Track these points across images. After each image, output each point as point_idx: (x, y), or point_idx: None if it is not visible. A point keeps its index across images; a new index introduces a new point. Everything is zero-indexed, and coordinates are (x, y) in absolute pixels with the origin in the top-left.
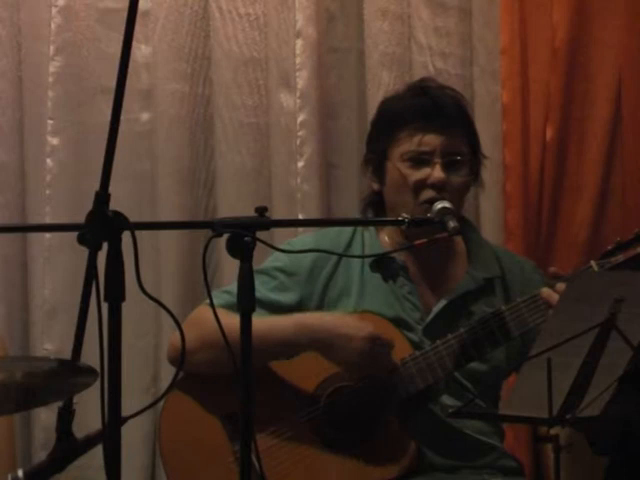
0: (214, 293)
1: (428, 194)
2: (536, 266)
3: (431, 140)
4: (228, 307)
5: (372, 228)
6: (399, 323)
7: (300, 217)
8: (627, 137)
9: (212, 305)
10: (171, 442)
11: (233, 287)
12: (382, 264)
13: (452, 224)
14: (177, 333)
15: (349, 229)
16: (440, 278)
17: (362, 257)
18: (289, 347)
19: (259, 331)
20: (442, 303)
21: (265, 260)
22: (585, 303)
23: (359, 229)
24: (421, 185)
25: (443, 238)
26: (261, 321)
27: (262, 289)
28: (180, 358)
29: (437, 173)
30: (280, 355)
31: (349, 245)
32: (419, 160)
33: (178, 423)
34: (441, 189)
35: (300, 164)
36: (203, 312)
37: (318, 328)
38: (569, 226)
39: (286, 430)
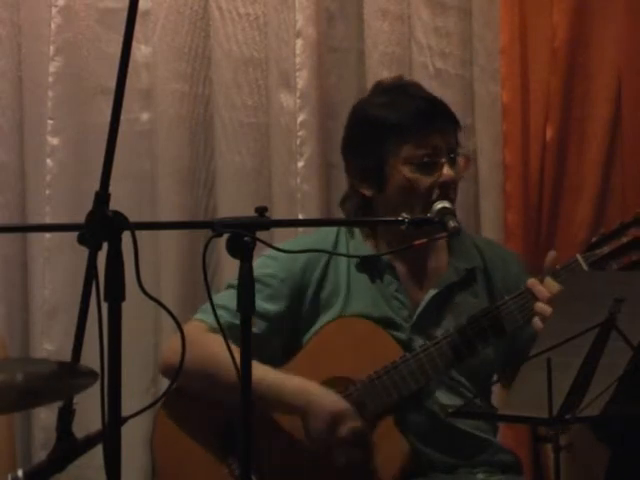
0: (204, 308)
1: (437, 194)
2: (519, 258)
3: (437, 143)
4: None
5: (357, 232)
6: (387, 323)
7: (300, 217)
8: (627, 137)
9: (212, 305)
10: (164, 454)
11: (227, 299)
12: (368, 264)
13: (452, 224)
14: (169, 347)
15: (333, 233)
16: (425, 273)
17: (355, 257)
18: (282, 407)
19: (260, 383)
20: (428, 296)
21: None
22: (585, 303)
23: (342, 232)
24: (432, 187)
25: (442, 238)
26: (263, 372)
27: (256, 298)
28: (177, 370)
29: (447, 172)
30: (271, 410)
31: (334, 247)
32: (425, 163)
33: (171, 435)
34: (448, 187)
35: (300, 164)
36: (196, 333)
37: (313, 399)
38: (569, 226)
39: (281, 436)
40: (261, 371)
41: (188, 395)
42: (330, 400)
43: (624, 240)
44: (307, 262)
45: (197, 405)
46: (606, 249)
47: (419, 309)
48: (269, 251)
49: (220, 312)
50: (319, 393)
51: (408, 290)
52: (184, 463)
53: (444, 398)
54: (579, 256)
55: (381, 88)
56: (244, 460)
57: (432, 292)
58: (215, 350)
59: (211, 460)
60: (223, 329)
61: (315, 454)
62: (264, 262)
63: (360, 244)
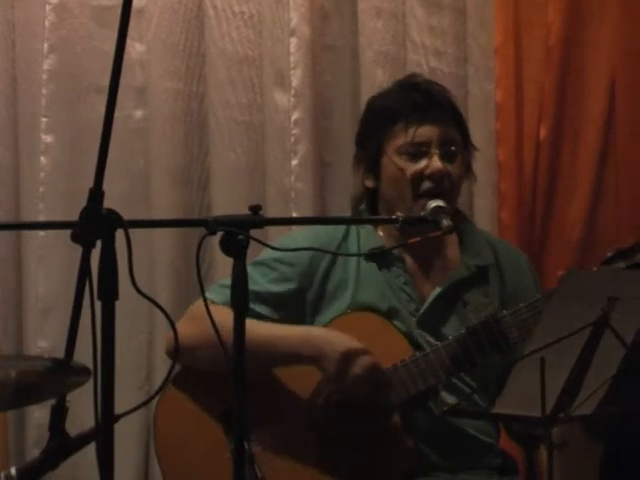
0: (212, 287)
1: (427, 186)
2: (529, 261)
3: (427, 131)
4: (227, 304)
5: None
6: (393, 314)
7: (294, 215)
8: (621, 136)
9: (205, 302)
10: (166, 438)
11: (230, 281)
12: (378, 255)
13: (446, 222)
14: (177, 328)
15: None
16: (434, 268)
17: (358, 255)
18: (293, 358)
19: (266, 339)
20: (436, 292)
21: (262, 252)
22: (579, 302)
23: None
24: (420, 177)
25: (436, 236)
26: (268, 329)
27: (262, 281)
28: (174, 355)
29: (435, 163)
30: (282, 364)
31: (345, 238)
32: (416, 153)
33: (173, 419)
34: (440, 180)
35: (294, 162)
36: (204, 307)
37: (323, 343)
38: (563, 224)
39: (285, 431)
40: (265, 328)
41: (190, 381)
42: (339, 340)
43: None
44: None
45: (199, 390)
46: (622, 264)
47: (425, 305)
48: (279, 239)
49: (224, 291)
50: (327, 336)
51: (416, 284)
52: (186, 449)
53: (450, 400)
54: (595, 270)
55: (396, 83)
56: (237, 448)
57: (438, 290)
58: (226, 319)
59: (214, 445)
60: (206, 301)
61: (324, 427)
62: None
63: (370, 233)
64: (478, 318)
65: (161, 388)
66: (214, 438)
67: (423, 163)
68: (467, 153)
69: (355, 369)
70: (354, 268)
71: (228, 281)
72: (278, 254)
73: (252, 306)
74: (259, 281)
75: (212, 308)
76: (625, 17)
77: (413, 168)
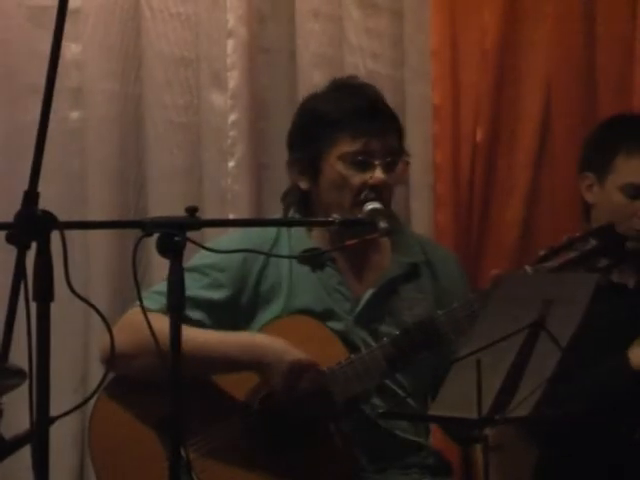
0: (147, 294)
1: (368, 195)
2: (459, 261)
3: (373, 144)
4: (163, 311)
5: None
6: (329, 315)
7: (231, 217)
8: (557, 138)
9: (143, 309)
10: (102, 448)
11: (164, 287)
12: (310, 256)
13: (382, 225)
14: (113, 334)
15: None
16: (367, 268)
17: (292, 257)
18: (232, 365)
19: (206, 346)
20: (369, 292)
21: (193, 257)
22: (516, 304)
23: None
24: (362, 186)
25: (373, 238)
26: (207, 336)
27: (194, 287)
28: (111, 359)
29: (379, 175)
30: (222, 371)
31: (276, 240)
32: (358, 161)
33: (109, 429)
34: (381, 190)
35: (231, 164)
36: (140, 315)
37: (262, 351)
38: (499, 226)
39: (221, 435)
40: (204, 335)
41: (126, 387)
42: (286, 350)
43: (572, 255)
44: (247, 254)
45: (136, 397)
46: (555, 263)
47: (361, 304)
48: (210, 243)
49: (158, 297)
50: (271, 344)
51: (350, 283)
52: (122, 455)
53: (378, 402)
54: (528, 268)
55: (333, 85)
56: (173, 456)
57: (371, 290)
58: (163, 328)
59: (150, 452)
60: (144, 308)
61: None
62: (205, 253)
63: (302, 236)
64: (413, 315)
65: (96, 391)
66: (150, 447)
67: (367, 174)
68: (403, 159)
69: (302, 385)
70: (287, 270)
71: (163, 287)
72: (211, 260)
73: (186, 312)
74: (192, 287)
75: (149, 316)
76: (560, 19)
77: (358, 179)
